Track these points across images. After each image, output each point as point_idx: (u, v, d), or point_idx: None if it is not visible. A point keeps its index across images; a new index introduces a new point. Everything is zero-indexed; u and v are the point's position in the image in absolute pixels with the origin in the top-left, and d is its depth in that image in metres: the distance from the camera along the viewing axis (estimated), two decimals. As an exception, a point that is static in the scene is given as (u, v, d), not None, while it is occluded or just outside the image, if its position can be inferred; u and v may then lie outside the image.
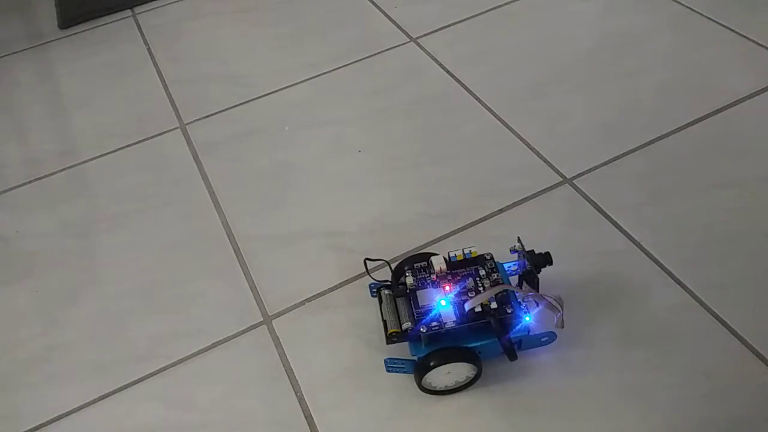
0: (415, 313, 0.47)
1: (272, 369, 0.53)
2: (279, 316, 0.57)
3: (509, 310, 0.46)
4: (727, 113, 0.68)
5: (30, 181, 0.73)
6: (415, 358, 0.48)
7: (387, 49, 0.84)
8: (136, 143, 0.76)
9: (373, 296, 0.53)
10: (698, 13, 0.81)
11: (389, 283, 0.52)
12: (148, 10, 0.98)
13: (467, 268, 0.50)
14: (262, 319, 0.57)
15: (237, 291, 0.59)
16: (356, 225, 0.63)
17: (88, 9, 0.97)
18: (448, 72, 0.79)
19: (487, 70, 0.78)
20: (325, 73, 0.81)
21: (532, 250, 0.50)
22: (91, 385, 0.54)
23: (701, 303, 0.53)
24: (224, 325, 0.57)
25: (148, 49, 0.90)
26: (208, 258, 0.62)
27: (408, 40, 0.85)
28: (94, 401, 0.53)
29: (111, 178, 0.72)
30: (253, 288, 0.59)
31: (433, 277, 0.49)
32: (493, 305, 0.46)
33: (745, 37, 0.77)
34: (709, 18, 0.80)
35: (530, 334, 0.49)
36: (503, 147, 0.69)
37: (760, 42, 0.76)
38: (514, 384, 0.50)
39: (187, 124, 0.77)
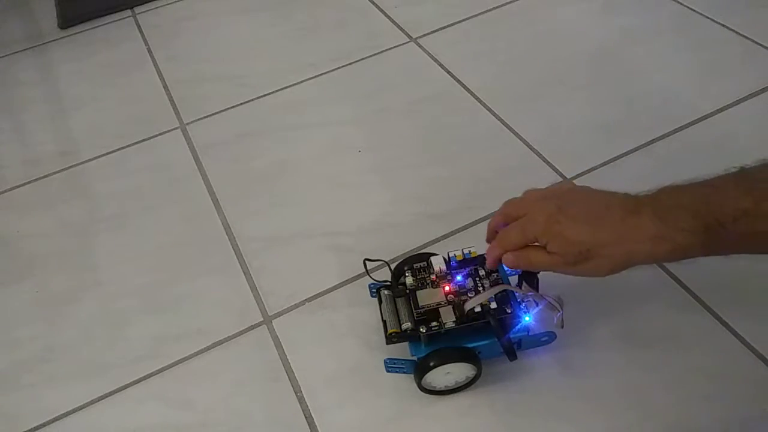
0: (414, 313, 0.47)
1: (272, 369, 0.53)
2: (279, 316, 0.57)
3: (509, 310, 0.46)
4: (727, 113, 0.68)
5: (30, 181, 0.73)
6: (415, 358, 0.48)
7: (387, 49, 0.84)
8: (136, 143, 0.76)
9: (372, 296, 0.53)
10: (698, 13, 0.81)
11: (389, 283, 0.52)
12: (148, 10, 0.98)
13: (467, 268, 0.50)
14: (262, 319, 0.57)
15: (237, 291, 0.59)
16: (356, 225, 0.63)
17: (88, 9, 0.97)
18: (448, 72, 0.79)
19: (487, 70, 0.78)
20: (325, 73, 0.81)
21: (532, 250, 0.50)
22: (91, 385, 0.54)
23: (701, 303, 0.53)
24: (224, 325, 0.57)
25: (148, 49, 0.90)
26: (208, 258, 0.62)
27: (408, 40, 0.85)
28: (94, 401, 0.53)
29: (111, 178, 0.72)
30: (253, 288, 0.59)
31: (433, 277, 0.49)
32: (493, 305, 0.46)
33: (745, 37, 0.77)
34: (709, 18, 0.80)
35: (530, 334, 0.49)
36: (503, 147, 0.69)
37: (760, 42, 0.76)
38: (514, 384, 0.50)
39: (187, 124, 0.77)
